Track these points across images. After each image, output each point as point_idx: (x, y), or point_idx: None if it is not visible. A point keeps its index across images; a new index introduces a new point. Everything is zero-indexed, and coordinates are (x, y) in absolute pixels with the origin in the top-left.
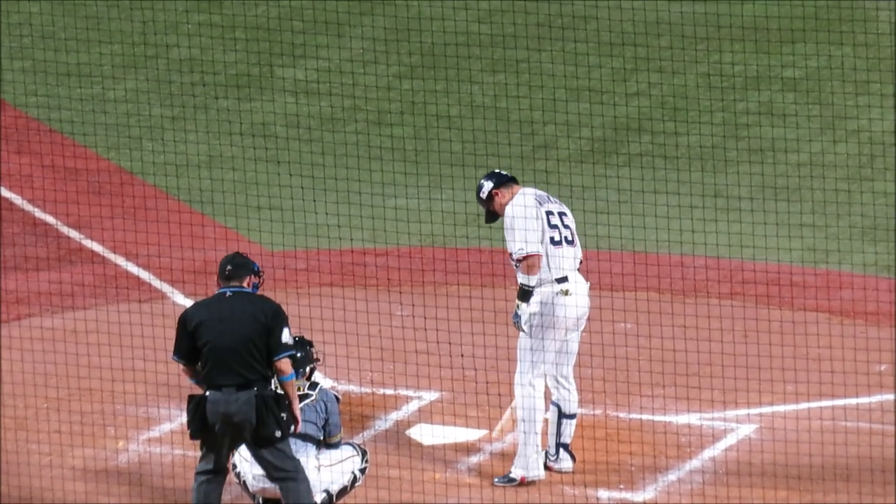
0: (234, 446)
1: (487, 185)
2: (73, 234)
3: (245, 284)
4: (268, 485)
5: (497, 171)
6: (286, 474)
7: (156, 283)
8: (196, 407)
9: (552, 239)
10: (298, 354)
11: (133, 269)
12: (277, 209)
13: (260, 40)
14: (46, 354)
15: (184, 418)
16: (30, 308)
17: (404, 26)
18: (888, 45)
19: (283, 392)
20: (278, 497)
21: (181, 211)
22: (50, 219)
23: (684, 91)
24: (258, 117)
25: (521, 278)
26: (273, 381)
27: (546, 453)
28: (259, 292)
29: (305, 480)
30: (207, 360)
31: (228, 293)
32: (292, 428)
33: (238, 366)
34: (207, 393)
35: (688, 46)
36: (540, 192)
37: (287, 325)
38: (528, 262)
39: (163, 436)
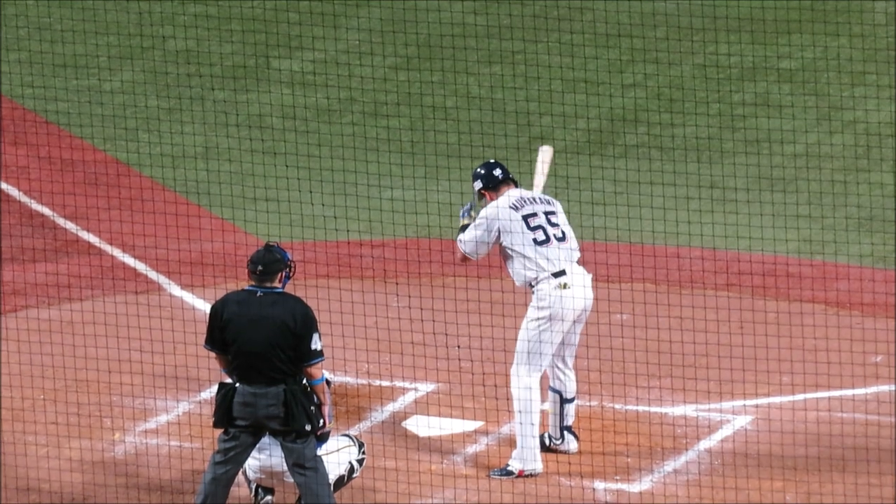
0: (257, 440)
1: (477, 185)
2: (70, 225)
3: (276, 281)
4: (264, 475)
5: (492, 164)
6: (305, 470)
7: (152, 274)
8: (224, 397)
9: (535, 240)
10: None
11: (129, 260)
12: (273, 201)
13: (256, 32)
14: (43, 346)
15: (181, 410)
16: (26, 299)
17: (400, 18)
18: (884, 35)
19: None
20: (272, 486)
21: (177, 202)
22: (46, 210)
23: (680, 82)
24: (254, 109)
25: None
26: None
27: (550, 438)
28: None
29: (325, 475)
30: (235, 359)
31: (259, 293)
32: (321, 423)
33: (266, 368)
34: (237, 385)
35: (683, 38)
36: (524, 195)
37: (317, 329)
38: (457, 254)
39: (159, 427)
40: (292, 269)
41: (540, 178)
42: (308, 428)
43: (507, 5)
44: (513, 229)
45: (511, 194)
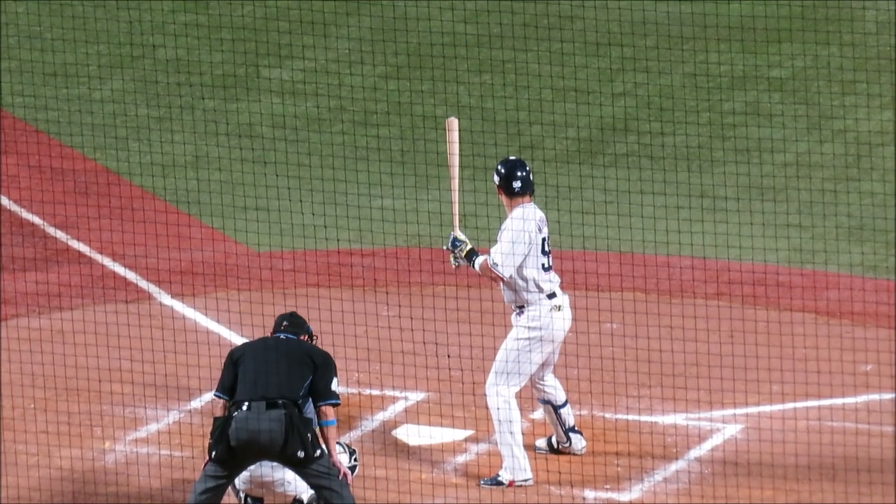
0: (250, 465)
1: (495, 180)
2: (60, 234)
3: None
4: (253, 485)
5: (513, 171)
6: (324, 488)
7: (142, 283)
8: (223, 426)
9: (543, 265)
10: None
11: (119, 269)
12: (263, 210)
13: (246, 41)
14: (33, 355)
15: (171, 419)
16: (16, 308)
17: (390, 27)
18: (874, 44)
19: (311, 418)
20: (262, 496)
21: (167, 211)
22: (36, 219)
23: (670, 91)
24: (244, 118)
25: (477, 265)
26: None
27: (558, 442)
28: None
29: (346, 487)
30: (244, 374)
31: (282, 336)
32: (318, 453)
33: (274, 384)
34: (234, 413)
35: (673, 46)
36: (540, 215)
37: (336, 374)
38: (494, 277)
39: (149, 436)
40: (314, 342)
41: (454, 158)
42: (301, 455)
43: (498, 14)
44: (531, 252)
45: (534, 212)
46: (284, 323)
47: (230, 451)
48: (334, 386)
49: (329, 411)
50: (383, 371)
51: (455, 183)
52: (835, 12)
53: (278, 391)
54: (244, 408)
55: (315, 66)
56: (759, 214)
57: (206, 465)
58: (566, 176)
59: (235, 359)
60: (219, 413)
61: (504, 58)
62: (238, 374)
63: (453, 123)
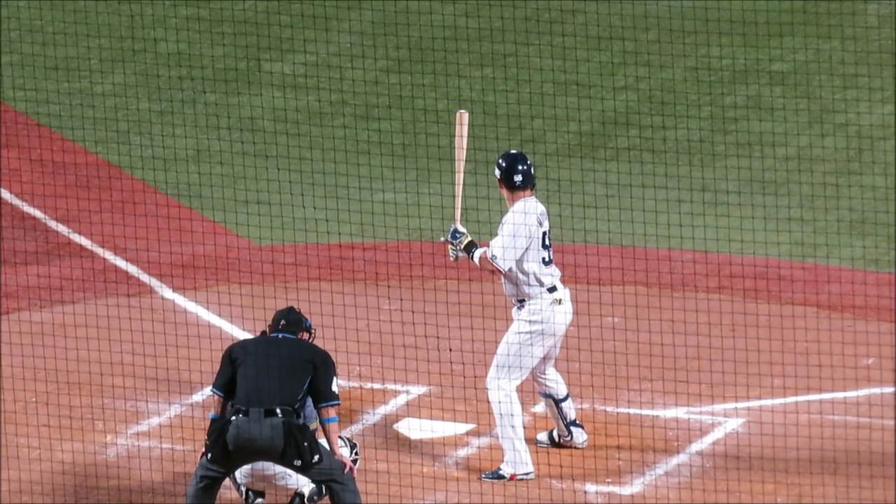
0: (246, 463)
1: (496, 173)
2: (61, 228)
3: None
4: (255, 479)
5: (515, 164)
6: (329, 481)
7: (143, 277)
8: (220, 430)
9: (543, 259)
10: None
11: (121, 263)
12: (265, 203)
13: (247, 34)
14: (35, 348)
15: (172, 412)
16: (18, 302)
17: (391, 20)
18: (876, 38)
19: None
20: (263, 489)
21: (168, 205)
22: (37, 213)
23: (671, 85)
24: (245, 112)
25: (476, 257)
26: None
27: (559, 436)
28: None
29: (351, 480)
30: (244, 378)
31: (280, 336)
32: (315, 458)
33: (275, 391)
34: (232, 417)
35: (675, 40)
36: (541, 209)
37: (336, 374)
38: (493, 270)
39: (151, 430)
40: (312, 336)
41: (461, 153)
42: (298, 464)
43: (499, 8)
44: (531, 246)
45: (535, 206)
46: (283, 322)
47: (227, 453)
48: (334, 386)
49: (330, 410)
50: (384, 365)
51: (460, 176)
52: (836, 6)
53: (279, 398)
54: (242, 414)
55: (316, 59)
56: (760, 208)
57: (202, 455)
58: (567, 170)
59: (234, 358)
60: (211, 409)
61: (505, 52)
62: (237, 376)
63: (464, 117)
